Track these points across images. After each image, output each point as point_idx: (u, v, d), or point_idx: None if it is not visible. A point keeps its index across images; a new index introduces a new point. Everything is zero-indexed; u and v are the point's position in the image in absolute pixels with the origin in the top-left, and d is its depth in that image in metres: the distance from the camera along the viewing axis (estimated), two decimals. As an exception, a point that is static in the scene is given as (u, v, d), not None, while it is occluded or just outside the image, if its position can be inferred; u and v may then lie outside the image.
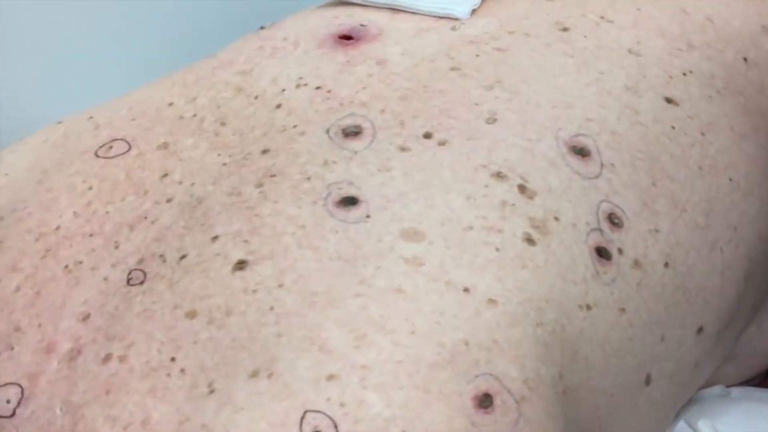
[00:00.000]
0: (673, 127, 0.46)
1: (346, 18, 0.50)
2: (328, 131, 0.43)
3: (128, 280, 0.40)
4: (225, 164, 0.43)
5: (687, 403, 0.54)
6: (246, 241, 0.39)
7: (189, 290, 0.38)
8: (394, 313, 0.36)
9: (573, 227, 0.41)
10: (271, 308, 0.37)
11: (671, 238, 0.44)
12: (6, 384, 0.38)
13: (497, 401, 0.36)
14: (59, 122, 0.49)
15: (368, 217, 0.39)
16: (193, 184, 0.42)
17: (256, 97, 0.46)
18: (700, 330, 0.46)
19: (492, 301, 0.38)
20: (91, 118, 0.48)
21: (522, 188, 0.41)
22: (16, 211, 0.44)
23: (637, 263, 0.42)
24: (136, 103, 0.48)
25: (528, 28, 0.48)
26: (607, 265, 0.41)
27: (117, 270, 0.40)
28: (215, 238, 0.40)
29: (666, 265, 0.44)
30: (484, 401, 0.35)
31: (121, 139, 0.46)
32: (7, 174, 0.47)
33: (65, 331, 0.39)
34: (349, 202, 0.40)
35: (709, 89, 0.48)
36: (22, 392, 0.38)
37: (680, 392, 0.49)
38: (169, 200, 0.42)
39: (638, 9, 0.50)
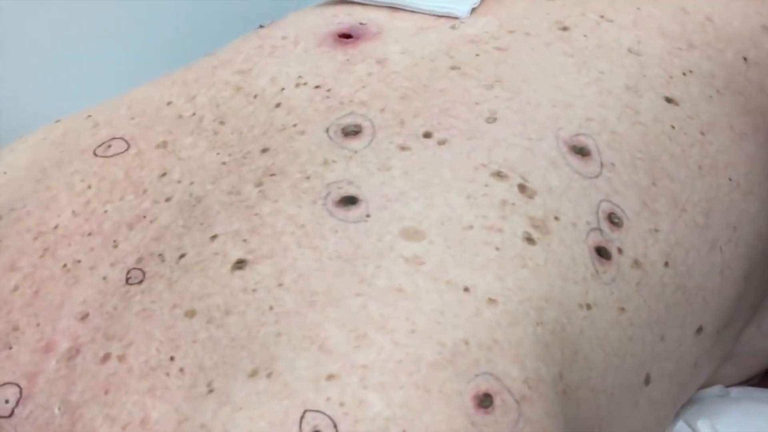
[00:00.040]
0: (673, 127, 0.46)
1: (345, 17, 0.50)
2: (327, 130, 0.43)
3: (127, 280, 0.40)
4: (224, 163, 0.43)
5: (686, 402, 0.54)
6: (245, 241, 0.39)
7: (188, 289, 0.38)
8: (394, 312, 0.36)
9: (573, 227, 0.41)
10: (271, 308, 0.37)
11: (671, 238, 0.44)
12: (4, 384, 0.38)
13: (497, 401, 0.36)
14: (58, 121, 0.49)
15: (368, 216, 0.39)
16: (192, 183, 0.42)
17: (255, 96, 0.46)
18: (699, 330, 0.46)
19: (492, 301, 0.37)
20: (89, 116, 0.48)
21: (522, 188, 0.41)
22: (15, 209, 0.44)
23: (636, 263, 0.42)
24: (135, 101, 0.48)
25: (528, 28, 0.48)
26: (606, 265, 0.41)
27: (116, 269, 0.40)
28: (214, 237, 0.39)
29: (666, 264, 0.44)
30: (485, 401, 0.35)
31: (120, 138, 0.46)
32: (5, 172, 0.47)
33: (64, 330, 0.39)
34: (349, 201, 0.40)
35: (709, 89, 0.48)
36: (21, 392, 0.38)
37: (680, 392, 0.49)
38: (168, 199, 0.42)
39: (638, 8, 0.50)
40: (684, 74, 0.48)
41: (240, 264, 0.38)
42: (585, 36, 0.48)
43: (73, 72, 0.70)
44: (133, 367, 0.36)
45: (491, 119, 0.43)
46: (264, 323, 0.36)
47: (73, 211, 0.43)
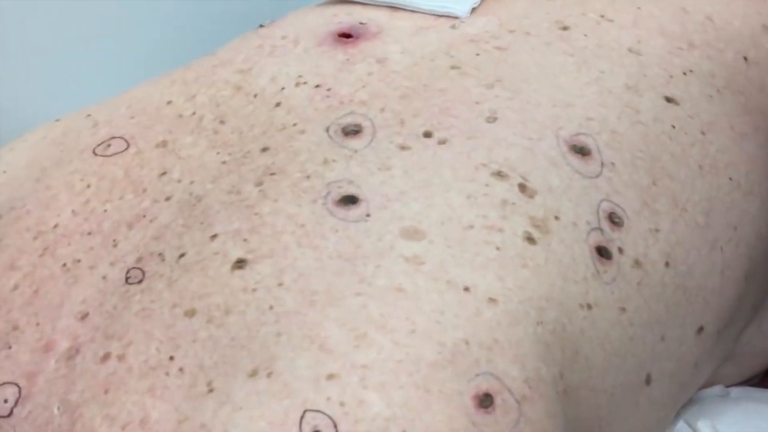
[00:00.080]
0: (674, 127, 0.46)
1: (345, 16, 0.50)
2: (327, 130, 0.43)
3: (127, 279, 0.39)
4: (224, 162, 0.43)
5: (687, 403, 0.54)
6: (245, 240, 0.39)
7: (188, 289, 0.38)
8: (394, 312, 0.36)
9: (573, 226, 0.41)
10: (271, 307, 0.37)
11: (672, 238, 0.44)
12: (3, 383, 0.38)
13: (498, 401, 0.36)
14: (58, 120, 0.49)
15: (368, 215, 0.39)
16: (192, 183, 0.42)
17: (255, 96, 0.46)
18: (700, 329, 0.46)
19: (492, 300, 0.37)
20: (89, 115, 0.48)
21: (522, 187, 0.41)
22: (15, 209, 0.43)
23: (637, 262, 0.42)
24: (135, 101, 0.48)
25: (528, 27, 0.48)
26: (607, 265, 0.41)
27: (115, 269, 0.40)
28: (214, 236, 0.39)
29: (666, 264, 0.44)
30: (485, 401, 0.35)
31: (120, 137, 0.45)
32: (5, 171, 0.46)
33: (63, 329, 0.39)
34: (349, 200, 0.40)
35: (710, 88, 0.48)
36: (20, 391, 0.38)
37: (680, 392, 0.49)
38: (167, 198, 0.42)
39: (638, 8, 0.50)
40: (684, 74, 0.48)
41: (240, 263, 0.38)
42: (585, 35, 0.48)
43: (73, 71, 0.70)
44: (133, 367, 0.36)
45: (491, 119, 0.43)
46: (264, 323, 0.36)
47: (73, 211, 0.43)
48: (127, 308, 0.38)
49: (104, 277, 0.40)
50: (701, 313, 0.46)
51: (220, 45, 0.51)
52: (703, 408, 0.56)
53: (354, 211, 0.39)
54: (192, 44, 0.55)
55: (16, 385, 0.38)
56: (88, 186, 0.43)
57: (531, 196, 0.41)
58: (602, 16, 0.49)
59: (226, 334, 0.36)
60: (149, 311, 0.38)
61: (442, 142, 0.42)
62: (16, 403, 0.38)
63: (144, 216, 0.42)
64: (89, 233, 0.42)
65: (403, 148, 0.42)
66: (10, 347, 0.39)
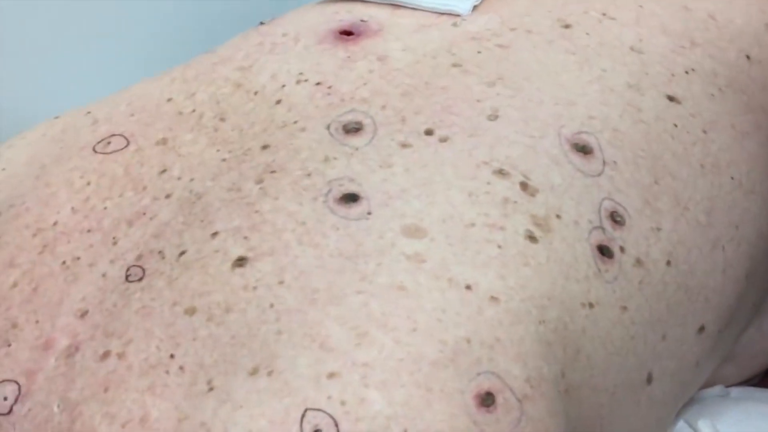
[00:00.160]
0: (675, 125, 0.46)
1: (346, 14, 0.50)
2: (328, 127, 0.43)
3: (127, 277, 0.39)
4: (224, 160, 0.43)
5: (687, 402, 0.54)
6: (246, 238, 0.39)
7: (188, 287, 0.38)
8: (395, 310, 0.36)
9: (575, 225, 0.41)
10: (271, 305, 0.37)
11: (673, 237, 0.44)
12: (3, 381, 0.38)
13: (499, 400, 0.35)
14: (57, 117, 0.49)
15: (369, 213, 0.39)
16: (192, 180, 0.42)
17: (255, 93, 0.46)
18: (701, 329, 0.46)
19: (494, 299, 0.37)
20: (89, 113, 0.48)
21: (524, 185, 0.41)
22: (14, 206, 0.43)
23: (639, 261, 0.42)
24: (134, 98, 0.48)
25: (530, 25, 0.48)
26: (609, 263, 0.41)
27: (115, 266, 0.40)
28: (215, 234, 0.39)
29: (668, 263, 0.43)
30: (486, 400, 0.35)
31: (120, 135, 0.45)
32: (4, 169, 0.46)
33: (63, 327, 0.39)
34: (350, 198, 0.40)
35: (712, 87, 0.48)
36: (20, 389, 0.38)
37: (681, 391, 0.49)
38: (167, 196, 0.42)
39: (640, 6, 0.50)
40: (686, 72, 0.48)
41: (240, 261, 0.38)
42: (587, 34, 0.48)
43: (73, 68, 0.70)
44: (133, 365, 0.36)
45: (493, 117, 0.43)
46: (264, 321, 0.36)
47: (73, 208, 0.43)
48: (127, 306, 0.38)
49: (104, 275, 0.40)
50: (702, 312, 0.46)
51: (220, 42, 0.51)
52: (703, 408, 0.56)
53: (355, 209, 0.39)
54: (192, 43, 0.55)
55: (16, 382, 0.38)
56: (88, 183, 0.43)
57: (532, 195, 0.41)
58: (604, 14, 0.49)
59: (226, 333, 0.36)
60: (149, 309, 0.38)
61: (443, 139, 0.42)
62: (16, 400, 0.37)
63: (144, 213, 0.41)
64: (89, 231, 0.42)
65: (404, 145, 0.42)
66: (9, 345, 0.39)
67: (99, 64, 0.70)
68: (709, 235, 0.46)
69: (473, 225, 0.39)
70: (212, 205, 0.41)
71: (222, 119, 0.45)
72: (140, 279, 0.39)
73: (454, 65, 0.45)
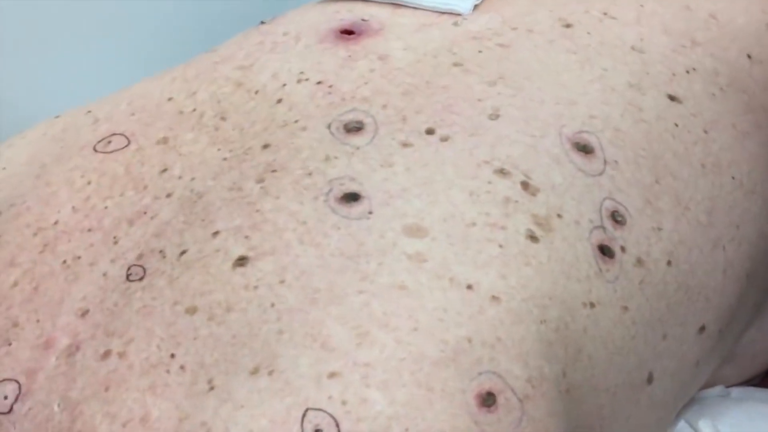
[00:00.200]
0: (677, 125, 0.46)
1: (347, 13, 0.49)
2: (329, 126, 0.43)
3: (127, 276, 0.39)
4: (225, 159, 0.43)
5: (687, 403, 0.54)
6: (247, 237, 0.39)
7: (189, 286, 0.38)
8: (396, 310, 0.36)
9: (576, 224, 0.41)
10: (273, 305, 0.37)
11: (674, 236, 0.44)
12: (3, 380, 0.38)
13: (500, 400, 0.35)
14: (58, 116, 0.49)
15: (370, 213, 0.39)
16: (193, 179, 0.42)
17: (256, 92, 0.46)
18: (702, 328, 0.46)
19: (495, 298, 0.37)
20: (89, 112, 0.48)
21: (525, 185, 0.41)
22: (15, 205, 0.43)
23: (639, 261, 0.42)
24: (135, 97, 0.48)
25: (531, 25, 0.48)
26: (610, 263, 0.41)
27: (116, 265, 0.40)
28: (216, 233, 0.39)
29: (669, 263, 0.43)
30: (487, 399, 0.35)
31: (120, 134, 0.45)
32: (4, 168, 0.46)
33: (64, 326, 0.39)
34: (351, 198, 0.40)
35: (713, 86, 0.48)
36: (20, 388, 0.38)
37: (681, 391, 0.49)
38: (168, 195, 0.42)
39: (641, 5, 0.50)
40: (687, 72, 0.48)
41: (241, 261, 0.38)
42: (588, 33, 0.48)
43: (73, 68, 0.70)
44: (134, 364, 0.36)
45: (494, 116, 0.43)
46: (266, 320, 0.36)
47: (73, 207, 0.42)
48: (128, 305, 0.38)
49: (105, 274, 0.40)
50: (703, 311, 0.46)
51: (221, 41, 0.51)
52: (704, 408, 0.56)
53: (356, 209, 0.39)
54: (193, 41, 0.55)
55: (16, 381, 0.38)
56: (89, 183, 0.43)
57: (534, 194, 0.41)
58: (605, 14, 0.49)
59: (227, 332, 0.36)
60: (150, 308, 0.38)
61: (444, 139, 0.42)
62: (16, 399, 0.37)
63: (145, 213, 0.41)
64: (89, 230, 0.41)
65: (405, 145, 0.42)
66: (10, 344, 0.39)
67: (99, 64, 0.70)
68: (710, 235, 0.46)
69: (474, 224, 0.39)
70: (213, 205, 0.40)
71: (223, 118, 0.45)
72: (141, 278, 0.39)
73: (455, 64, 0.45)
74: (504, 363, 0.36)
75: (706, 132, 0.47)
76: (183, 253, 0.39)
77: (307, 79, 0.45)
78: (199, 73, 0.48)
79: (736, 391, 0.59)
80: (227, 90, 0.46)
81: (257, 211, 0.40)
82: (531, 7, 0.49)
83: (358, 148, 0.42)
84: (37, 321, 0.39)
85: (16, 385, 0.38)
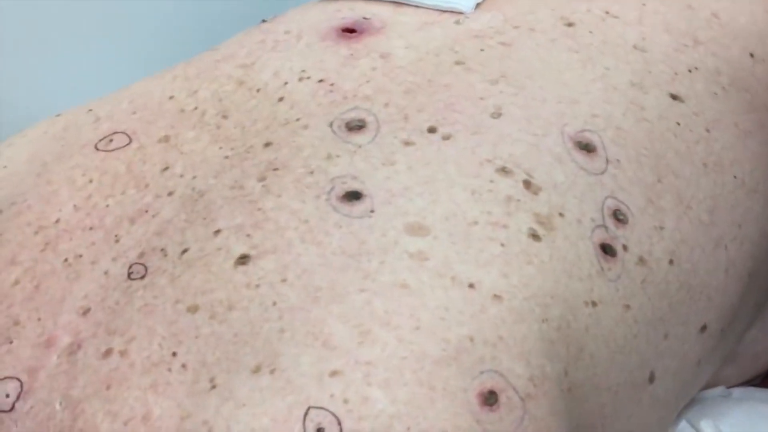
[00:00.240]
0: (678, 124, 0.46)
1: (348, 11, 0.49)
2: (331, 125, 0.43)
3: (129, 274, 0.39)
4: (227, 157, 0.43)
5: (689, 403, 0.54)
6: (248, 236, 0.39)
7: (191, 285, 0.38)
8: (398, 308, 0.36)
9: (578, 223, 0.41)
10: (274, 303, 0.36)
11: (676, 235, 0.44)
12: (5, 378, 0.38)
13: (502, 398, 0.35)
14: (59, 115, 0.49)
15: (372, 211, 0.39)
16: (194, 178, 0.42)
17: (258, 90, 0.46)
18: (703, 328, 0.46)
19: (497, 297, 0.37)
20: (91, 110, 0.48)
21: (527, 183, 0.41)
22: (16, 204, 0.43)
23: (641, 260, 0.42)
24: (136, 96, 0.48)
25: (533, 23, 0.48)
26: (611, 262, 0.41)
27: (117, 264, 0.40)
28: (217, 232, 0.39)
29: (671, 262, 0.43)
30: (489, 398, 0.35)
31: (122, 132, 0.45)
32: (5, 167, 0.46)
33: (65, 325, 0.39)
34: (353, 196, 0.39)
35: (715, 86, 0.48)
36: (22, 386, 0.38)
37: (682, 390, 0.49)
38: (170, 193, 0.42)
39: (643, 4, 0.50)
40: (689, 71, 0.48)
41: (243, 259, 0.38)
42: (590, 32, 0.48)
43: (74, 66, 0.70)
44: (135, 363, 0.36)
45: (496, 114, 0.43)
46: (267, 319, 0.36)
47: (75, 206, 0.42)
48: (130, 304, 0.38)
49: (106, 273, 0.40)
50: (705, 311, 0.46)
51: (223, 40, 0.51)
52: (705, 408, 0.56)
53: (358, 207, 0.39)
54: (194, 39, 0.55)
55: (18, 379, 0.38)
56: (90, 181, 0.43)
57: (535, 193, 0.41)
58: (607, 13, 0.49)
59: (228, 330, 0.36)
60: (152, 307, 0.38)
61: (446, 137, 0.42)
62: (18, 397, 0.37)
63: (146, 211, 0.41)
64: (91, 228, 0.41)
65: (407, 143, 0.41)
66: (11, 342, 0.39)
67: (100, 62, 0.70)
68: (712, 234, 0.46)
69: (476, 223, 0.39)
70: (215, 203, 0.40)
71: (224, 117, 0.45)
72: (142, 277, 0.39)
73: (457, 63, 0.45)
74: (506, 362, 0.36)
75: (708, 131, 0.47)
76: (184, 251, 0.39)
77: (308, 78, 0.45)
78: (201, 71, 0.48)
79: (737, 392, 0.59)
80: (229, 88, 0.46)
81: (259, 209, 0.39)
82: (533, 5, 0.49)
83: (360, 146, 0.42)
84: (39, 319, 0.39)
85: (17, 383, 0.38)
